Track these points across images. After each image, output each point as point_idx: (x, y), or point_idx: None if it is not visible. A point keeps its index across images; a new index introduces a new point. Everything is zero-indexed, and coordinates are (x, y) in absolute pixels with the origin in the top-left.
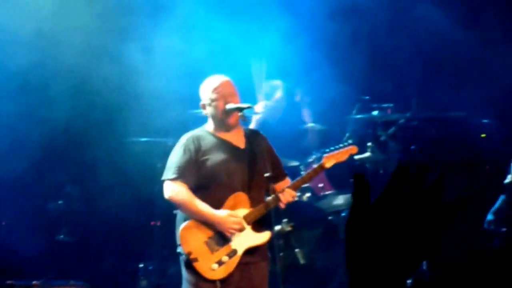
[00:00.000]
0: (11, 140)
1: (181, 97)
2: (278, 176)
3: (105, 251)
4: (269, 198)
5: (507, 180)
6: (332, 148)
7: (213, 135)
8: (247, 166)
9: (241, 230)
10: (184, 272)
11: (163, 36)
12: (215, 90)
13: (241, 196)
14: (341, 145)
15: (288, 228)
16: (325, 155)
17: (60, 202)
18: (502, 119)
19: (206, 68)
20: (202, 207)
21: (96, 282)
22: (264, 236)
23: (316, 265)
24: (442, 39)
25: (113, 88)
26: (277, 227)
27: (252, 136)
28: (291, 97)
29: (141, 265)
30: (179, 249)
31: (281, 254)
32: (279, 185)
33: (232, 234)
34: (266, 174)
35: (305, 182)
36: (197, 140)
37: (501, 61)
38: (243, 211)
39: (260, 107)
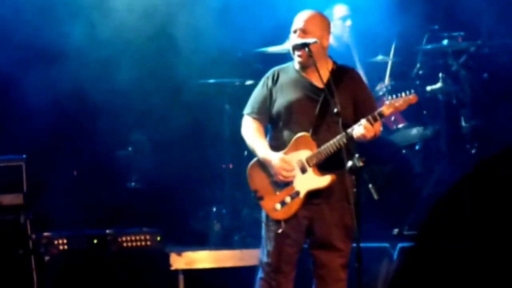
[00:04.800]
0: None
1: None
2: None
3: (176, 196)
4: (337, 137)
5: None
6: (394, 96)
7: (296, 70)
8: (320, 106)
9: (293, 177)
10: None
11: None
12: (293, 24)
13: (305, 138)
14: (404, 93)
15: (360, 164)
16: (386, 102)
17: (129, 149)
18: None
19: None
20: (259, 146)
21: (168, 228)
22: (324, 180)
23: (391, 200)
24: None
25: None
26: (349, 163)
27: (339, 74)
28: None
29: (214, 209)
30: None
31: (354, 190)
32: None
33: (286, 178)
34: (335, 110)
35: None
36: (277, 74)
37: None
38: (305, 153)
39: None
